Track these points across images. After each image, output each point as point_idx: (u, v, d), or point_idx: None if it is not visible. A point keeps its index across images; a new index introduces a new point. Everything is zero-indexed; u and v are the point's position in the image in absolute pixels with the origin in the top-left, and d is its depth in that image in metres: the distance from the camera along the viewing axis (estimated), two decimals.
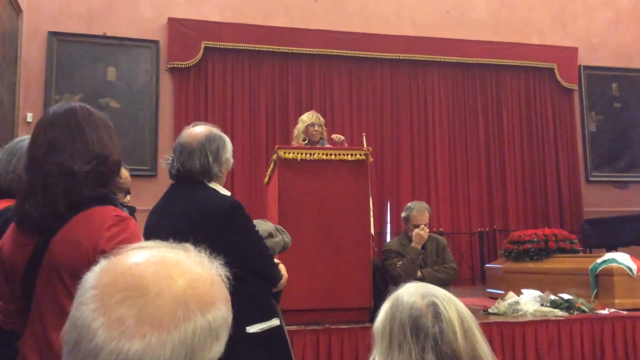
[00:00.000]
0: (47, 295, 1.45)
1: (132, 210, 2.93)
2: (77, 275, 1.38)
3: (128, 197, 3.23)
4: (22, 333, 1.50)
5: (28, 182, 1.52)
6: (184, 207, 2.24)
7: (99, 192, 1.53)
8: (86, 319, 0.66)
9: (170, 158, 2.32)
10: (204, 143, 2.27)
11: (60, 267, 1.44)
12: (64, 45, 7.34)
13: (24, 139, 2.14)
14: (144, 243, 0.77)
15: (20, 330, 1.51)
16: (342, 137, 4.93)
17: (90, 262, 1.39)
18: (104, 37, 7.46)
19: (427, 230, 4.46)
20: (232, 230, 2.21)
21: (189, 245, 0.77)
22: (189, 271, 0.71)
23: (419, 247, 4.36)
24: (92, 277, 0.71)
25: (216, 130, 2.35)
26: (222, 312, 0.71)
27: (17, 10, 6.78)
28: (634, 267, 4.23)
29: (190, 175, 2.26)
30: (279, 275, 2.39)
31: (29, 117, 6.93)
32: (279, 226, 2.72)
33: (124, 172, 2.95)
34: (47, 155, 1.52)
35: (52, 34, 7.30)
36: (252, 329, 2.19)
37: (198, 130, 2.32)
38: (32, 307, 1.49)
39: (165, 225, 2.22)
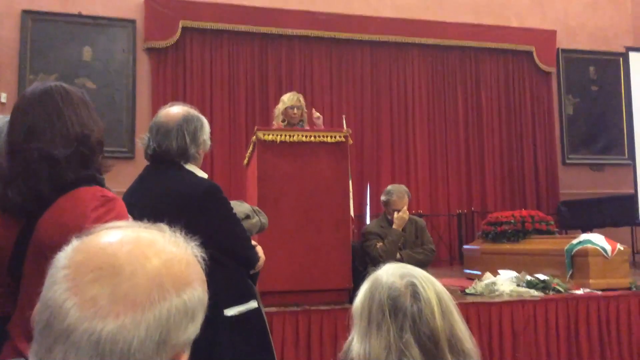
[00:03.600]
0: (35, 278, 1.43)
1: None
2: None
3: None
4: (11, 316, 1.48)
5: (9, 168, 1.49)
6: (160, 189, 2.21)
7: (83, 174, 1.50)
8: (58, 298, 0.65)
9: (146, 138, 2.26)
10: (181, 123, 2.22)
11: (46, 248, 1.42)
12: (39, 25, 7.19)
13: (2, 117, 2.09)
14: (117, 223, 0.75)
15: (9, 313, 1.49)
16: (320, 116, 4.91)
17: None
18: (79, 16, 7.31)
19: (408, 213, 4.49)
20: (209, 213, 2.19)
21: (164, 226, 0.75)
22: (163, 251, 0.70)
23: (400, 229, 4.39)
24: (63, 256, 0.69)
25: (194, 111, 2.30)
26: (197, 292, 0.70)
27: None
28: (608, 248, 4.30)
29: (167, 156, 2.22)
30: (256, 258, 2.37)
31: (3, 97, 6.80)
32: (255, 207, 2.70)
33: None
34: (26, 140, 1.49)
35: (26, 13, 7.14)
36: (230, 311, 2.18)
37: (175, 110, 2.27)
38: (20, 290, 1.47)
39: (140, 207, 2.17)
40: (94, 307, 0.63)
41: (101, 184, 1.55)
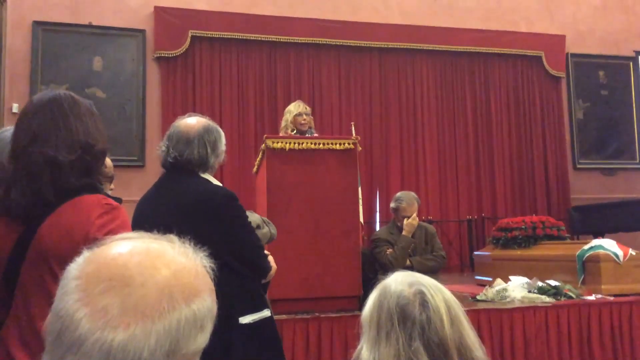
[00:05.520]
0: (34, 283, 1.44)
1: (118, 201, 2.92)
2: (66, 263, 1.36)
3: (112, 185, 3.22)
4: (3, 321, 1.48)
5: (13, 171, 1.51)
6: (177, 196, 2.25)
7: (85, 182, 1.52)
8: (69, 309, 0.66)
9: (165, 146, 2.31)
10: (203, 134, 2.28)
11: (49, 254, 1.43)
12: (49, 35, 7.26)
13: (8, 129, 2.12)
14: (128, 234, 0.76)
15: (2, 318, 1.49)
16: None
17: (81, 250, 1.38)
18: (90, 26, 7.38)
19: (417, 219, 4.49)
20: (225, 220, 2.23)
21: (173, 237, 0.77)
22: (173, 262, 0.71)
23: (410, 235, 4.39)
24: (75, 267, 0.71)
25: (212, 122, 2.37)
26: (207, 302, 0.71)
27: (1, 0, 6.70)
28: (620, 253, 4.27)
29: (188, 164, 2.27)
30: (268, 267, 2.41)
31: (15, 107, 6.85)
32: (265, 218, 2.75)
33: (107, 160, 2.94)
34: (31, 144, 1.50)
35: (37, 24, 7.22)
36: (245, 319, 2.20)
37: (195, 120, 2.33)
38: (15, 295, 1.47)
39: (157, 214, 2.24)
40: (105, 318, 0.64)
41: (101, 193, 1.57)
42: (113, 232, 1.39)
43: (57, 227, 1.44)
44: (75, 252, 1.38)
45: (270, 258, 2.46)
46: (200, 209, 2.19)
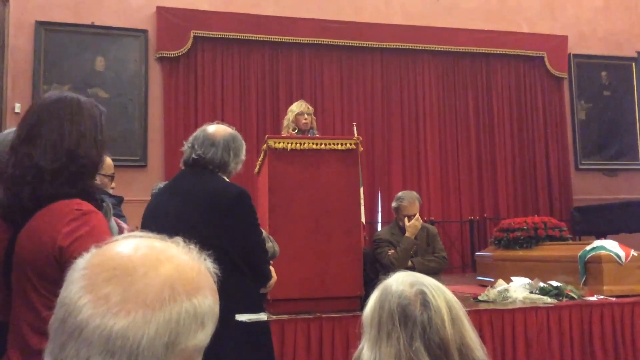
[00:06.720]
0: (18, 288, 1.44)
1: (119, 200, 2.92)
2: (38, 270, 1.37)
3: (113, 184, 3.22)
4: (5, 322, 1.48)
5: (4, 168, 1.50)
6: (195, 188, 2.36)
7: (63, 191, 1.47)
8: (73, 296, 0.67)
9: (190, 144, 2.44)
10: (229, 140, 2.45)
11: (24, 261, 1.42)
12: (52, 35, 7.27)
13: (12, 131, 2.13)
14: (134, 233, 0.78)
15: (3, 319, 1.50)
16: None
17: (50, 258, 1.37)
18: (92, 26, 7.39)
19: (421, 220, 4.48)
20: (238, 216, 2.30)
21: (178, 239, 0.78)
22: (176, 257, 0.73)
23: (413, 237, 4.38)
24: (82, 260, 0.72)
25: (238, 133, 2.56)
26: (208, 300, 0.72)
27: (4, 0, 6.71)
28: (622, 254, 4.27)
29: (209, 164, 2.40)
30: (270, 274, 2.47)
31: (17, 107, 6.87)
32: (270, 236, 2.82)
33: (107, 160, 2.94)
34: (22, 144, 1.50)
35: (40, 24, 7.23)
36: (242, 317, 2.22)
37: (223, 127, 2.52)
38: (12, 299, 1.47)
39: (172, 204, 2.35)
40: (107, 304, 0.66)
41: (92, 196, 1.53)
42: (81, 238, 1.37)
43: (29, 235, 1.43)
44: (45, 260, 1.38)
45: (272, 269, 2.50)
46: (214, 202, 2.28)
